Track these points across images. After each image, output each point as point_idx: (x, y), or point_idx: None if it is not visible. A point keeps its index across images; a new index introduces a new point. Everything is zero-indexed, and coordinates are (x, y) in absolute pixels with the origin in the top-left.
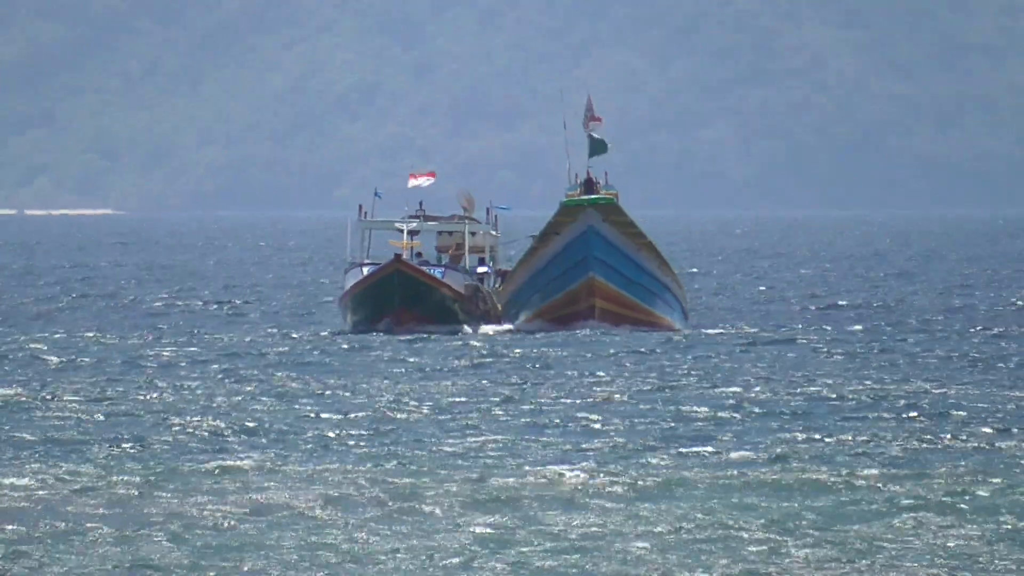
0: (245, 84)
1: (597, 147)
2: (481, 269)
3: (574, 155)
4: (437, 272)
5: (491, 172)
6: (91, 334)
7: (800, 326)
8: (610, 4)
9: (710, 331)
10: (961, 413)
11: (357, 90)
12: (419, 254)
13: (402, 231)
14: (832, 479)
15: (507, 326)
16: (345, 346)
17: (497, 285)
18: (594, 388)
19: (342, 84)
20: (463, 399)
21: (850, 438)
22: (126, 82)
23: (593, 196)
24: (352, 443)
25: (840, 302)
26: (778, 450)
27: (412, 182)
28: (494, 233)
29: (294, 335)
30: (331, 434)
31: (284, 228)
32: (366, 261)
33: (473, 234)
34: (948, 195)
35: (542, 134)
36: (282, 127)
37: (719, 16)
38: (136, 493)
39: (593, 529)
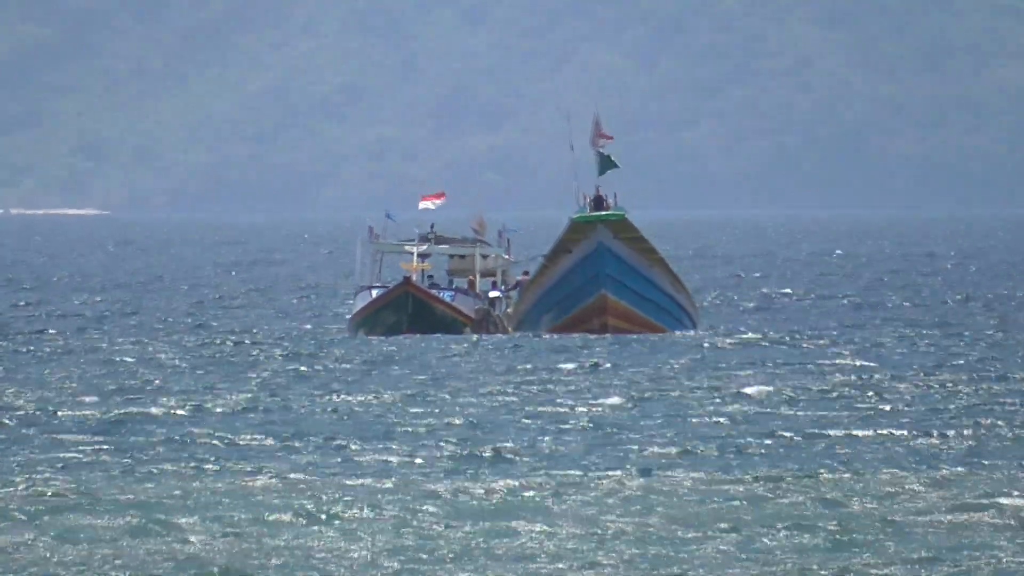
0: (229, 84)
1: (607, 164)
2: (493, 293)
3: (582, 175)
4: (447, 296)
5: (476, 173)
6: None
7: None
8: (595, 4)
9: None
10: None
11: (341, 90)
12: (431, 276)
13: (412, 253)
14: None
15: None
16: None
17: (507, 309)
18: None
19: (326, 84)
20: (476, 403)
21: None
22: (110, 82)
23: (603, 212)
24: (368, 446)
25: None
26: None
27: (423, 204)
28: (506, 256)
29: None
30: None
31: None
32: (375, 284)
33: (484, 257)
34: (933, 195)
35: (527, 135)
36: (266, 127)
37: (704, 16)
38: (171, 493)
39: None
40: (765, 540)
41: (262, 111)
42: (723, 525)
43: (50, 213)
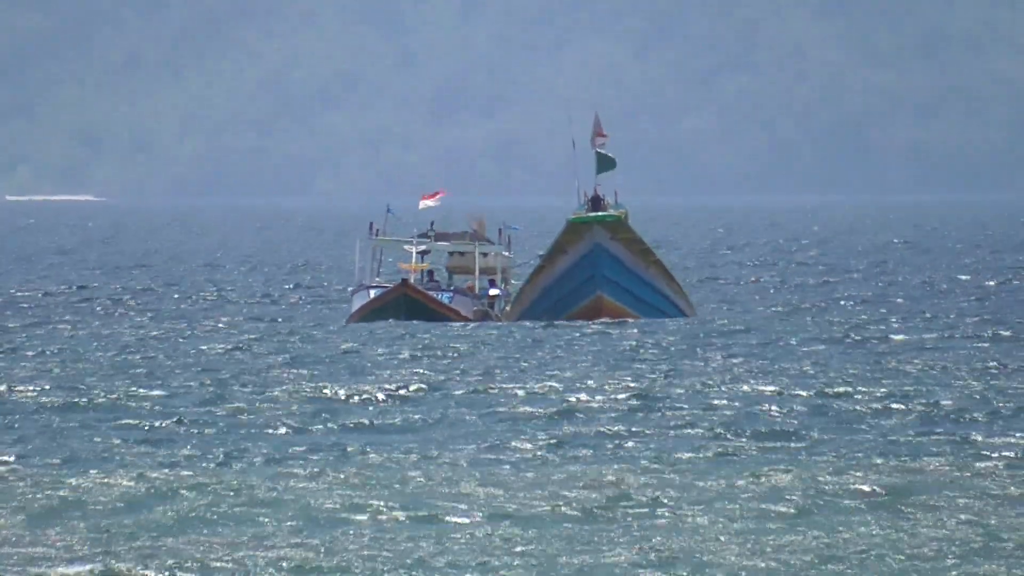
0: (226, 74)
1: (605, 163)
2: (493, 292)
3: (582, 171)
4: (445, 297)
5: (472, 162)
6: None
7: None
8: None
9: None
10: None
11: (338, 80)
12: (431, 273)
13: (411, 251)
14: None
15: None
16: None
17: (505, 308)
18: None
19: (323, 73)
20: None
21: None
22: (107, 72)
23: (600, 213)
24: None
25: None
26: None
27: (423, 203)
28: (506, 254)
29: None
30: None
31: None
32: (374, 283)
33: (484, 255)
34: (929, 183)
35: (524, 124)
36: (264, 117)
37: (700, 5)
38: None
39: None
40: (830, 524)
41: (259, 100)
42: (782, 510)
43: (46, 200)
